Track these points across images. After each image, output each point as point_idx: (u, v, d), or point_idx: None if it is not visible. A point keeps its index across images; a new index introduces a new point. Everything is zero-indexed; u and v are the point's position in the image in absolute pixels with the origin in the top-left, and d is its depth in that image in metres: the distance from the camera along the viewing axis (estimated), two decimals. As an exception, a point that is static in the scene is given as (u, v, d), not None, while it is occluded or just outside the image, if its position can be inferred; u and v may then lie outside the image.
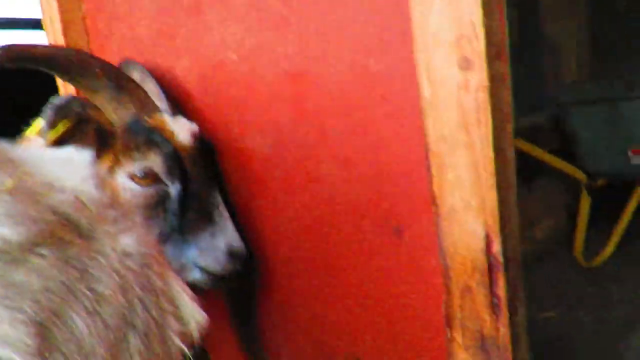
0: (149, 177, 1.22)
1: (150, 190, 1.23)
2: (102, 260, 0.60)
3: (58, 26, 1.63)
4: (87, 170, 0.72)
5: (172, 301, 0.70)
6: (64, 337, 0.48)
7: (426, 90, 0.84)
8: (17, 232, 0.50)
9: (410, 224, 0.90)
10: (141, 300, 0.63)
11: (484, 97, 0.72)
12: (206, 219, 1.21)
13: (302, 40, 1.07)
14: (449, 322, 0.82)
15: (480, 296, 0.76)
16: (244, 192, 1.28)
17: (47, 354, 0.45)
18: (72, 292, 0.53)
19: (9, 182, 0.55)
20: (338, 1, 0.99)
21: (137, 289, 0.63)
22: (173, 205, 1.23)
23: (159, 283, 0.68)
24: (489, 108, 0.71)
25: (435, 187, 0.77)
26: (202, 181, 1.24)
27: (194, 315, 0.71)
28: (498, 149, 0.71)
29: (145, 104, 1.25)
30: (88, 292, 0.55)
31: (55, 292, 0.51)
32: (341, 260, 1.05)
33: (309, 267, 1.18)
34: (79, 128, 1.18)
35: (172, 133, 1.25)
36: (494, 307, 0.76)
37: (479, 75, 0.74)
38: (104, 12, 1.60)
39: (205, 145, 1.28)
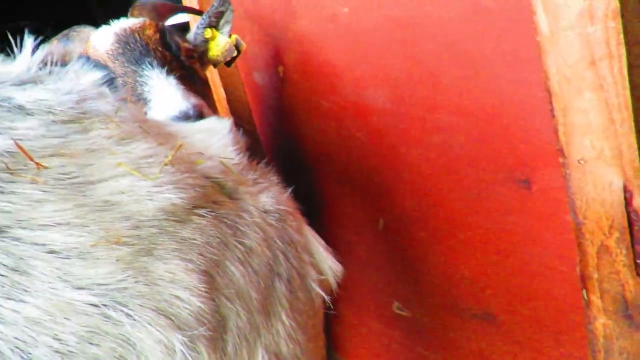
0: None
1: None
2: (247, 218, 0.71)
3: (193, -1, 1.79)
4: (227, 138, 0.83)
5: (309, 252, 0.79)
6: (224, 282, 0.59)
7: (543, 23, 0.77)
8: (181, 197, 0.61)
9: (538, 176, 0.86)
10: (283, 252, 0.73)
11: (615, 26, 0.63)
12: (142, 104, 1.23)
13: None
14: (585, 284, 0.77)
15: (621, 256, 0.70)
16: (367, 147, 1.33)
17: (213, 296, 0.57)
18: (227, 245, 0.64)
19: (170, 155, 0.67)
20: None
21: (279, 242, 0.73)
22: None
23: (296, 236, 0.77)
24: (622, 39, 0.62)
25: (561, 135, 0.71)
26: (127, 71, 1.26)
27: (330, 265, 0.80)
28: (635, 87, 0.62)
29: None
30: (239, 246, 0.66)
31: (214, 246, 0.62)
32: (466, 215, 1.04)
33: (433, 222, 1.19)
34: None
35: (92, 47, 1.32)
36: (637, 269, 0.70)
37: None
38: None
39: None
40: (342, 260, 0.87)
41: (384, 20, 1.11)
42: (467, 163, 1.00)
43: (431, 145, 1.08)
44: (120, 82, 1.23)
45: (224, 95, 1.91)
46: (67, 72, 0.69)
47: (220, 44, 1.44)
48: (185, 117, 1.09)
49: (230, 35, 1.46)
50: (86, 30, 1.34)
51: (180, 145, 0.67)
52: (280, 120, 1.76)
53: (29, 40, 0.67)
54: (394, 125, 1.21)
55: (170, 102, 1.13)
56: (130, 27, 1.30)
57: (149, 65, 1.22)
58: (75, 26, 1.37)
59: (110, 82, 1.24)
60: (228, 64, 1.48)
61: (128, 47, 1.25)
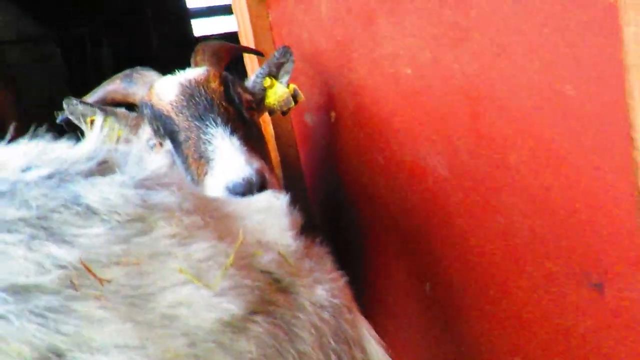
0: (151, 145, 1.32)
1: (163, 154, 1.29)
2: (302, 316, 0.68)
3: (250, 36, 1.79)
4: (285, 219, 0.80)
5: (362, 348, 0.75)
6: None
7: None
8: (239, 304, 0.59)
9: (613, 280, 0.79)
10: (335, 352, 0.69)
11: None
12: (204, 162, 1.19)
13: (482, 58, 0.98)
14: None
15: None
16: (419, 210, 1.28)
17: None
18: (281, 354, 0.61)
19: (231, 257, 0.64)
20: (526, 17, 0.88)
21: (332, 342, 0.69)
22: (176, 160, 1.27)
23: (350, 332, 0.74)
24: None
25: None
26: (190, 126, 1.22)
27: (381, 361, 0.76)
28: None
29: None
30: (294, 352, 0.63)
31: (270, 355, 0.59)
32: (530, 308, 0.98)
33: (491, 310, 1.13)
34: None
35: (156, 95, 1.29)
36: None
37: None
38: (287, 22, 1.70)
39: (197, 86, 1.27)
40: (392, 352, 0.82)
41: (452, 89, 1.07)
42: (534, 253, 0.93)
43: (493, 226, 1.02)
44: (183, 136, 1.21)
45: (273, 133, 1.90)
46: (133, 153, 0.68)
47: (278, 93, 1.43)
48: (248, 184, 1.07)
49: (288, 85, 1.44)
50: (149, 74, 1.35)
51: (241, 242, 0.65)
52: (328, 164, 1.74)
53: (99, 119, 0.67)
54: (451, 194, 1.16)
55: (234, 167, 1.10)
56: (195, 79, 1.28)
57: (212, 122, 1.19)
58: (139, 67, 1.38)
59: (172, 135, 1.24)
60: (283, 112, 1.47)
61: (193, 101, 1.23)
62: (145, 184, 0.63)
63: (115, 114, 1.37)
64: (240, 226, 0.71)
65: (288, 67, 1.45)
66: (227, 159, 1.13)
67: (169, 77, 1.32)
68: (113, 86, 1.38)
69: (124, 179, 0.61)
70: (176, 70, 1.34)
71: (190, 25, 10.29)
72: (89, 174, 0.60)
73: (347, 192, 1.65)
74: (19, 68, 4.27)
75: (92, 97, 1.43)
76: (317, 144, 1.78)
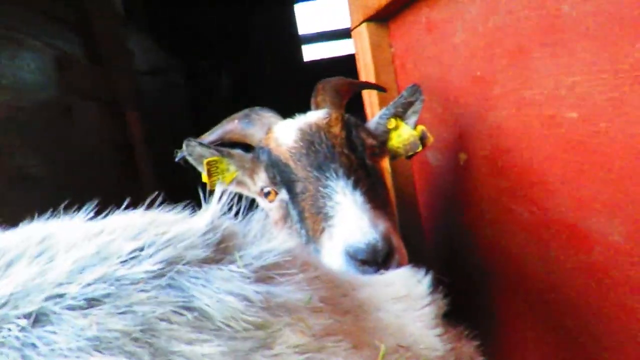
0: (266, 192, 1.21)
1: (275, 204, 1.20)
2: None
3: (371, 69, 1.68)
4: (428, 311, 0.64)
5: None
6: None
7: None
8: None
9: None
10: None
11: None
12: (321, 218, 1.05)
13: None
14: None
15: None
16: (577, 283, 1.03)
17: None
18: None
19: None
20: None
21: None
22: (291, 212, 1.15)
23: None
24: None
25: None
26: (309, 176, 1.09)
27: None
28: None
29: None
30: None
31: None
32: None
33: None
34: None
35: (274, 140, 1.19)
36: None
37: None
38: (412, 54, 1.55)
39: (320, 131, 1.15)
40: None
41: (635, 144, 0.83)
42: None
43: None
44: (300, 187, 1.11)
45: (389, 169, 1.75)
46: (252, 229, 0.57)
47: (403, 135, 1.28)
48: (372, 250, 0.92)
49: (415, 127, 1.29)
50: (268, 116, 1.28)
51: (383, 356, 0.50)
52: (452, 209, 1.53)
53: (218, 190, 0.57)
54: (626, 270, 0.90)
55: (356, 230, 0.96)
56: (316, 124, 1.18)
57: (333, 174, 1.07)
58: (257, 108, 1.33)
59: (289, 184, 1.14)
60: (408, 156, 1.31)
61: (312, 148, 1.13)
62: (268, 275, 0.51)
63: (231, 156, 1.32)
64: (378, 331, 0.56)
65: (417, 107, 1.29)
66: (349, 219, 0.98)
67: (288, 121, 1.23)
68: (231, 126, 1.34)
69: (244, 272, 0.49)
70: (296, 114, 1.25)
71: (301, 50, 10.66)
72: (205, 262, 0.50)
73: (474, 244, 1.44)
74: (148, 94, 4.66)
75: (211, 135, 1.41)
76: (440, 186, 1.58)
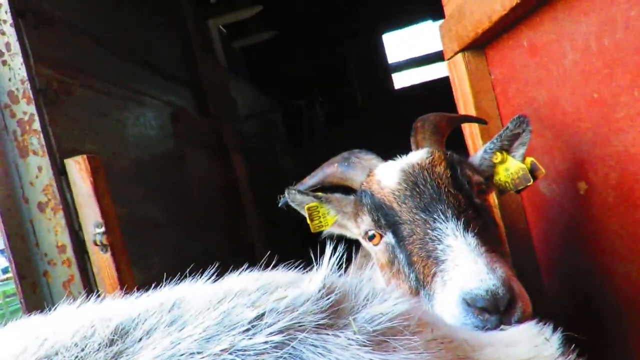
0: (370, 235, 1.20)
1: (380, 247, 1.17)
2: None
3: (469, 98, 1.62)
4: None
5: None
6: None
7: None
8: None
9: None
10: None
11: None
12: (432, 262, 0.98)
13: None
14: None
15: None
16: None
17: None
18: None
19: None
20: None
21: None
22: (398, 255, 1.11)
23: None
24: None
25: None
26: (415, 218, 1.06)
27: None
28: None
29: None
30: None
31: None
32: None
33: None
34: None
35: (376, 183, 1.18)
36: None
37: None
38: (515, 80, 1.47)
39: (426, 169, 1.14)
40: None
41: None
42: None
43: None
44: (407, 230, 1.07)
45: (496, 203, 1.64)
46: (364, 288, 0.56)
47: (511, 169, 1.20)
48: (493, 298, 0.86)
49: (524, 159, 1.20)
50: (368, 158, 1.29)
51: None
52: (573, 246, 1.39)
53: (327, 251, 0.57)
54: None
55: (473, 275, 0.90)
56: (419, 164, 1.15)
57: (442, 216, 1.03)
58: (357, 150, 1.34)
59: (395, 227, 1.12)
60: (517, 190, 1.23)
61: (417, 190, 1.10)
62: (383, 340, 0.50)
63: (329, 201, 1.36)
64: None
65: (524, 138, 1.21)
66: (463, 263, 0.93)
67: (389, 163, 1.22)
68: (331, 170, 1.36)
69: (360, 338, 0.49)
70: (398, 155, 1.24)
71: (391, 78, 10.70)
72: (321, 327, 0.50)
73: (605, 286, 1.28)
74: (249, 135, 4.97)
75: (311, 179, 1.45)
76: (557, 219, 1.45)
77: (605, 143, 1.13)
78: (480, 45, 1.59)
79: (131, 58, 2.78)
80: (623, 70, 1.01)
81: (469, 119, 1.56)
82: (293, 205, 1.39)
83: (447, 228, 1.01)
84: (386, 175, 1.17)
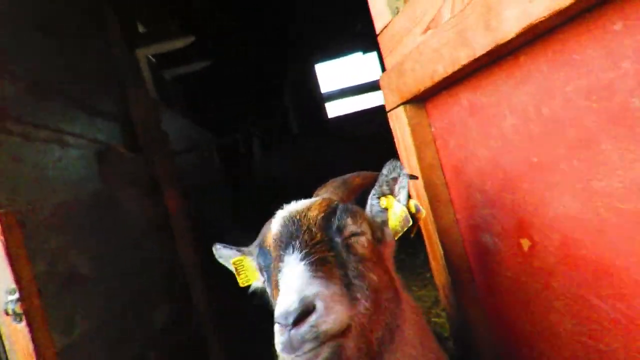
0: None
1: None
2: None
3: (412, 150, 1.64)
4: None
5: None
6: None
7: None
8: None
9: None
10: None
11: None
12: (277, 290, 1.11)
13: None
14: None
15: None
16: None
17: None
18: None
19: None
20: None
21: None
22: (267, 291, 1.29)
23: None
24: None
25: None
26: (277, 255, 1.17)
27: None
28: None
29: None
30: None
31: None
32: None
33: None
34: None
35: (270, 229, 1.27)
36: None
37: None
38: (455, 134, 1.51)
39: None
40: None
41: None
42: None
43: None
44: (272, 266, 1.18)
45: (442, 252, 1.66)
46: None
47: (397, 212, 1.27)
48: (286, 313, 0.94)
49: (408, 202, 1.27)
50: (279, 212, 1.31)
51: None
52: (518, 298, 1.42)
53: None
54: None
55: (283, 297, 0.98)
56: (297, 209, 1.24)
57: (291, 249, 1.11)
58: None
59: (267, 268, 1.24)
60: (410, 233, 1.29)
61: (285, 231, 1.18)
62: None
63: (251, 253, 1.44)
64: None
65: (402, 182, 1.29)
66: (283, 289, 1.03)
67: (279, 212, 1.28)
68: (264, 230, 1.38)
69: None
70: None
71: (324, 108, 10.89)
72: None
73: (544, 336, 1.31)
74: (184, 169, 4.78)
75: (257, 239, 1.40)
76: (500, 271, 1.48)
77: (547, 205, 1.17)
78: (421, 99, 1.62)
79: (52, 94, 2.57)
80: (561, 139, 1.06)
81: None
82: (222, 261, 1.48)
83: (290, 259, 1.09)
84: (274, 224, 1.25)
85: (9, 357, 1.66)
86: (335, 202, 1.28)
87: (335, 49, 10.19)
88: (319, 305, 0.97)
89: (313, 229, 1.17)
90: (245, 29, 7.25)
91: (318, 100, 10.73)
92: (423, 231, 1.73)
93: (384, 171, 1.29)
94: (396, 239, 1.35)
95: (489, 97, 1.29)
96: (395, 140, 1.75)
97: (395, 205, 1.29)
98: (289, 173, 7.97)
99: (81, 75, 3.08)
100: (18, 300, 1.64)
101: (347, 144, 8.83)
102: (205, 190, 5.51)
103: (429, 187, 1.63)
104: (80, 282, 2.33)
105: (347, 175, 1.51)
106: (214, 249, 1.48)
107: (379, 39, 1.73)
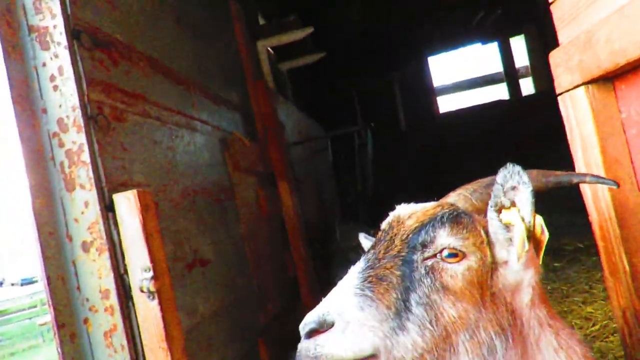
0: None
1: None
2: None
3: (594, 142, 1.33)
4: None
5: None
6: None
7: None
8: None
9: None
10: None
11: None
12: None
13: None
14: None
15: None
16: None
17: None
18: None
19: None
20: None
21: None
22: None
23: None
24: None
25: None
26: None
27: None
28: None
29: None
30: None
31: None
32: None
33: None
34: None
35: None
36: None
37: None
38: None
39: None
40: None
41: None
42: None
43: None
44: None
45: (627, 269, 1.33)
46: None
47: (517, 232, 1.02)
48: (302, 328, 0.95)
49: (533, 219, 1.02)
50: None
51: None
52: None
53: None
54: None
55: (317, 305, 0.97)
56: (400, 213, 1.16)
57: (363, 256, 1.09)
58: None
59: None
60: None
61: (378, 235, 1.15)
62: None
63: None
64: None
65: (522, 194, 1.00)
66: (328, 295, 1.01)
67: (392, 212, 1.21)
68: None
69: None
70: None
71: (435, 102, 10.39)
72: None
73: None
74: (297, 162, 4.78)
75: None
76: None
77: None
78: (610, 78, 1.30)
79: (184, 82, 2.63)
80: None
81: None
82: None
83: (353, 267, 1.06)
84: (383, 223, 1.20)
85: (141, 332, 1.67)
86: (448, 211, 1.07)
87: (452, 40, 9.64)
88: (337, 324, 0.93)
89: (397, 240, 1.08)
90: (363, 21, 7.12)
91: (429, 93, 10.26)
92: (598, 241, 1.42)
93: (499, 178, 1.03)
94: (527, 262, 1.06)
95: None
96: (567, 129, 1.44)
97: (516, 222, 1.03)
98: (398, 170, 7.72)
99: (209, 65, 3.16)
100: (152, 278, 1.65)
101: (459, 140, 8.32)
102: (317, 179, 5.48)
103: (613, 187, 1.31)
104: (202, 265, 2.35)
105: (492, 178, 1.18)
106: (359, 237, 1.45)
107: (552, 7, 1.44)
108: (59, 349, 1.60)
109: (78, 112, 1.69)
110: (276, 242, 3.76)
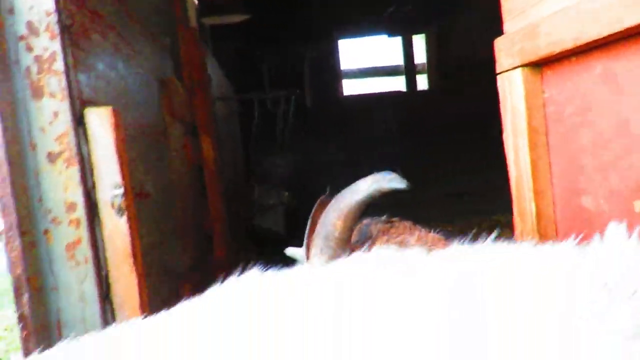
0: None
1: None
2: None
3: (521, 111, 1.71)
4: None
5: None
6: None
7: None
8: None
9: None
10: None
11: None
12: None
13: None
14: None
15: None
16: None
17: None
18: None
19: None
20: None
21: None
22: None
23: None
24: None
25: None
26: None
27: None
28: None
29: None
30: None
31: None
32: None
33: None
34: None
35: None
36: None
37: None
38: (576, 104, 1.58)
39: None
40: None
41: None
42: None
43: None
44: None
45: (534, 212, 1.75)
46: None
47: None
48: None
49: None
50: None
51: None
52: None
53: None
54: None
55: None
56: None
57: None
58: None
59: None
60: None
61: None
62: None
63: None
64: None
65: None
66: None
67: None
68: None
69: None
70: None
71: (341, 85, 10.87)
72: None
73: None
74: (218, 118, 4.79)
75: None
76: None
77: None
78: (539, 64, 1.68)
79: (131, 15, 2.56)
80: None
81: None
82: None
83: None
84: None
85: (105, 248, 1.70)
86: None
87: (363, 28, 10.15)
88: None
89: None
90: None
91: (335, 75, 10.68)
92: (514, 191, 1.82)
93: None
94: None
95: (634, 66, 1.36)
96: (501, 102, 1.81)
97: None
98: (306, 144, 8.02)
99: (147, 4, 3.06)
100: (123, 195, 1.68)
101: (361, 123, 8.88)
102: (231, 141, 5.52)
103: (532, 149, 1.71)
104: (145, 198, 2.37)
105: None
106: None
107: (503, 1, 1.78)
108: (20, 256, 1.56)
109: (53, 17, 1.62)
110: (197, 195, 3.79)
